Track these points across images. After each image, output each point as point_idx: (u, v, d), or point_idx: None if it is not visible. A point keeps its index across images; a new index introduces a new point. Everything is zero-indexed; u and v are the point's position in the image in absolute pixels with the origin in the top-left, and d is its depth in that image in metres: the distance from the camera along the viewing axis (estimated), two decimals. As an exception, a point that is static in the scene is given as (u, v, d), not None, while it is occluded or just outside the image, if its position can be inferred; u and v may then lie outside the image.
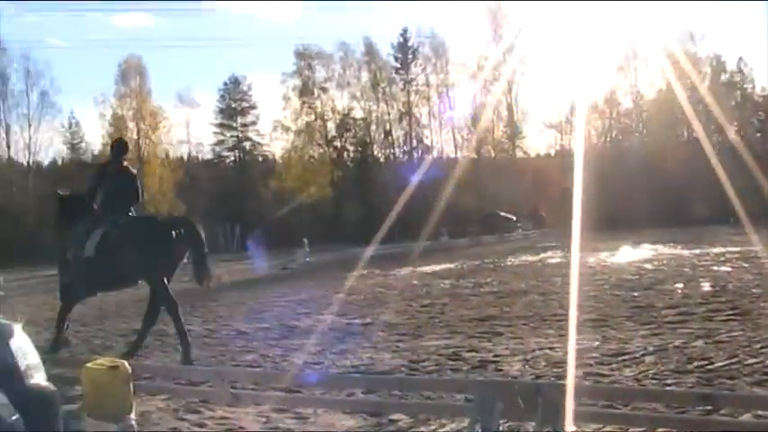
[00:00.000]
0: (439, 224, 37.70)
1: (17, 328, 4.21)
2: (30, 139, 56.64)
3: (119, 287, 11.06)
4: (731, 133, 56.93)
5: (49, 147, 59.54)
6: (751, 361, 7.50)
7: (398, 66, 62.49)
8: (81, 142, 59.50)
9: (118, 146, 10.81)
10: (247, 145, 64.16)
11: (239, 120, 63.74)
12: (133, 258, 9.30)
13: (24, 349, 4.13)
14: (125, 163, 10.55)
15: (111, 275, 9.60)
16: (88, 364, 5.64)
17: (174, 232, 9.74)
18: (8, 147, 56.43)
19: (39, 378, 4.16)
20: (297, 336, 10.93)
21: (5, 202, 54.23)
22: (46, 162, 60.14)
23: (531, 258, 25.42)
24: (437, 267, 22.95)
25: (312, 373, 7.63)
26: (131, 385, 5.65)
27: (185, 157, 64.42)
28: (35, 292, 21.39)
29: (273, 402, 6.61)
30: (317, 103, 61.34)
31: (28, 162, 57.39)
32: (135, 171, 10.96)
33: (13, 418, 3.75)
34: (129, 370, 5.56)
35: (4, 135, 56.11)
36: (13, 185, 54.67)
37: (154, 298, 9.94)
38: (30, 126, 56.46)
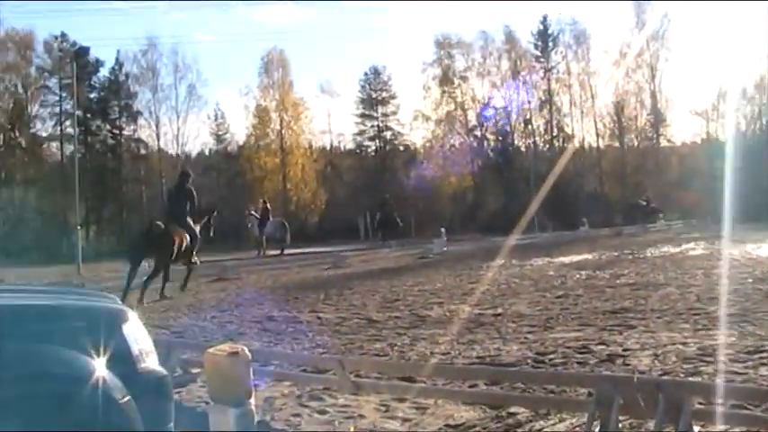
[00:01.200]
0: (580, 214, 37.10)
1: (131, 314, 4.33)
2: (178, 130, 58.57)
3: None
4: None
5: (196, 138, 61.58)
6: None
7: (539, 54, 61.71)
8: (226, 133, 61.13)
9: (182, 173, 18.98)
10: (388, 134, 64.57)
11: (380, 110, 64.20)
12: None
13: (137, 334, 4.25)
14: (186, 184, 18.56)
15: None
16: (210, 350, 5.78)
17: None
18: (158, 138, 58.50)
19: (151, 362, 4.27)
20: (427, 325, 10.92)
21: (157, 192, 56.34)
22: (194, 153, 62.03)
23: (672, 250, 24.64)
24: (574, 258, 22.54)
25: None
26: (251, 371, 5.75)
27: (327, 147, 65.36)
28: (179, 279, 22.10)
29: (394, 392, 6.63)
30: (457, 92, 61.26)
31: (177, 153, 59.35)
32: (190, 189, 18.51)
33: (125, 399, 3.86)
34: (249, 356, 5.67)
35: (154, 127, 58.24)
36: (162, 176, 56.68)
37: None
38: (178, 118, 58.40)
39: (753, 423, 5.10)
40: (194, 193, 18.72)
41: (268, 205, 36.76)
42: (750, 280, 14.13)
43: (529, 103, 61.50)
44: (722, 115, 60.18)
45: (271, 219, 35.84)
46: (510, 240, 29.87)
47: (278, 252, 33.78)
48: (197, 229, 18.36)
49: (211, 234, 19.83)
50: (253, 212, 37.01)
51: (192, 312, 14.03)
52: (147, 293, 15.99)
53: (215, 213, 20.54)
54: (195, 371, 7.53)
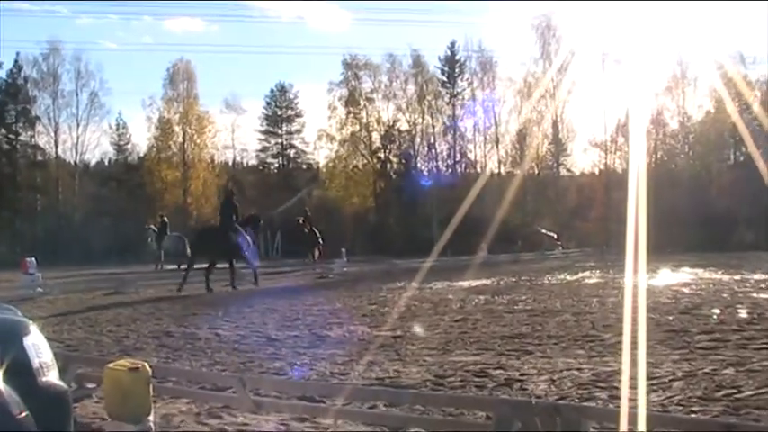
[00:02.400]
0: (480, 239, 37.58)
1: (33, 326, 4.25)
2: (78, 138, 57.27)
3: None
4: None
5: (96, 147, 60.18)
6: (783, 391, 7.36)
7: (445, 79, 62.47)
8: (128, 144, 60.03)
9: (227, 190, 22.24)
10: (292, 153, 64.48)
11: (285, 127, 64.07)
12: None
13: (39, 347, 4.17)
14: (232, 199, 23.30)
15: None
16: (110, 365, 5.70)
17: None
18: (56, 145, 57.13)
19: (51, 376, 4.20)
20: (326, 345, 10.93)
21: (53, 200, 54.99)
22: (93, 162, 60.80)
23: (569, 277, 25.22)
24: (474, 282, 22.84)
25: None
26: (151, 387, 5.69)
27: (230, 163, 64.87)
28: (76, 291, 21.69)
29: (294, 411, 6.63)
30: (363, 114, 61.53)
31: (75, 161, 58.05)
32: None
33: (23, 414, 3.77)
34: (150, 372, 5.61)
35: (53, 134, 56.82)
36: (60, 184, 55.42)
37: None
38: (78, 126, 57.11)
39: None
40: (238, 206, 23.56)
41: (166, 219, 36.56)
42: (643, 308, 14.53)
43: (433, 127, 62.18)
44: (620, 147, 61.86)
45: (168, 233, 35.61)
46: (411, 263, 30.13)
47: (176, 266, 33.41)
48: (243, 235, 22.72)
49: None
50: (151, 227, 36.64)
51: (87, 326, 13.76)
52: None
53: (261, 223, 25.75)
54: (91, 386, 7.39)
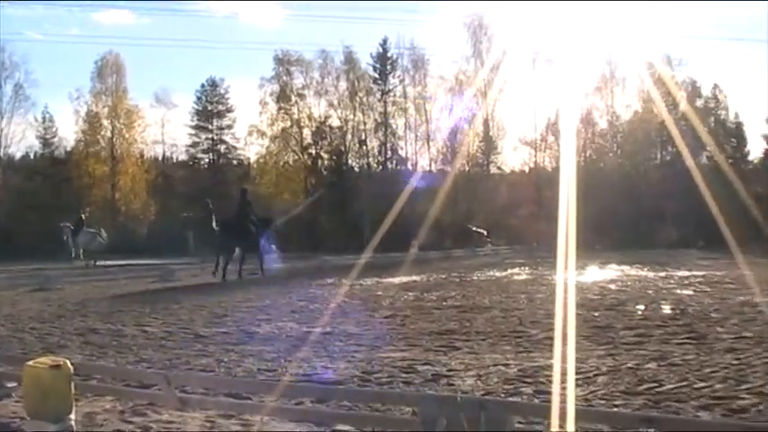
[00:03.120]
0: (411, 236, 37.73)
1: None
2: (1, 131, 56.02)
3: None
4: (704, 158, 57.57)
5: (21, 140, 58.81)
6: (700, 385, 7.54)
7: (377, 76, 62.56)
8: (54, 137, 58.76)
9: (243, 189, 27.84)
10: (222, 148, 63.93)
11: (215, 122, 63.50)
12: None
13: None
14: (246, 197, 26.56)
15: None
16: (30, 363, 5.60)
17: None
18: (-22, 138, 55.84)
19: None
20: (255, 342, 10.88)
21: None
22: (18, 155, 59.53)
23: (497, 274, 25.48)
24: (404, 279, 22.96)
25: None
26: (72, 385, 5.60)
27: (160, 158, 64.12)
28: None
29: (221, 408, 6.59)
30: (294, 110, 61.32)
31: (-1, 154, 56.83)
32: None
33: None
34: (72, 369, 5.52)
35: (-25, 126, 55.54)
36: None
37: None
38: (2, 118, 55.86)
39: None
40: (251, 204, 27.63)
41: (83, 216, 36.59)
42: (571, 305, 14.74)
43: (364, 124, 62.23)
44: (549, 146, 62.65)
45: (84, 229, 35.48)
46: (342, 259, 30.13)
47: (92, 262, 33.28)
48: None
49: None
50: (67, 224, 36.29)
51: (9, 323, 13.48)
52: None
53: (273, 223, 29.54)
54: (10, 385, 7.25)
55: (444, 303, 15.79)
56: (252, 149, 63.36)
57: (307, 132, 62.14)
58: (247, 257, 26.30)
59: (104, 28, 76.99)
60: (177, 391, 6.55)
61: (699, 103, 62.50)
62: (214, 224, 25.52)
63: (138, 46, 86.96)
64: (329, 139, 62.59)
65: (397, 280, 22.66)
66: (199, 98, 63.31)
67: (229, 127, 63.74)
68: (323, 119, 61.99)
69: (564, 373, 7.99)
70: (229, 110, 63.47)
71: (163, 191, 59.65)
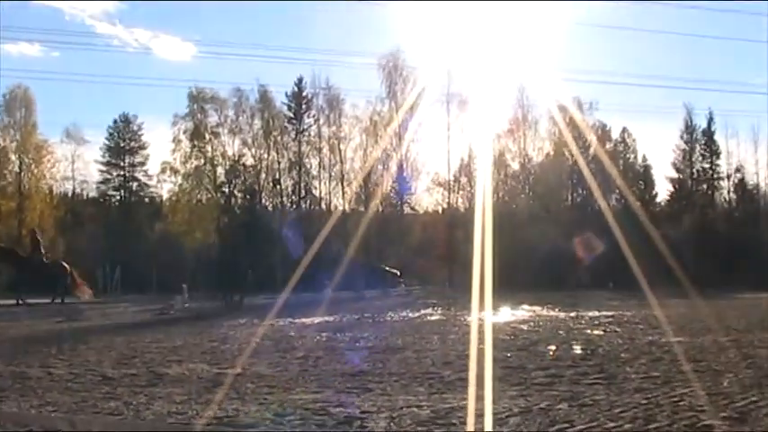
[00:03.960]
0: (324, 276, 37.65)
1: None
2: None
3: None
4: (614, 200, 58.99)
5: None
6: (610, 425, 7.62)
7: (291, 115, 62.60)
8: (-40, 171, 57.33)
9: None
10: (134, 185, 63.25)
11: (127, 159, 62.86)
12: None
13: None
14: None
15: None
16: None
17: None
18: None
19: None
20: (164, 384, 10.66)
21: None
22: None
23: (411, 314, 25.54)
24: (316, 319, 22.84)
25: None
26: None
27: (69, 194, 62.92)
28: None
29: (127, 453, 6.43)
30: (208, 148, 60.90)
31: None
32: None
33: None
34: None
35: None
36: None
37: None
38: None
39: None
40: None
41: None
42: (482, 346, 14.85)
43: (279, 163, 62.11)
44: (462, 187, 63.36)
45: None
46: (254, 299, 29.88)
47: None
48: None
49: None
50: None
51: None
52: None
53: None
54: None
55: (357, 344, 15.77)
56: (164, 187, 62.75)
57: (220, 171, 61.78)
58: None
59: (12, 60, 75.53)
60: (82, 436, 6.37)
61: (608, 146, 64.32)
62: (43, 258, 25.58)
63: (49, 80, 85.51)
64: (243, 178, 62.29)
65: (309, 320, 22.54)
66: (111, 134, 62.71)
67: (142, 164, 63.23)
68: (237, 157, 61.75)
69: (477, 415, 8.05)
70: (142, 147, 62.99)
71: (71, 228, 58.50)
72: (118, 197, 63.13)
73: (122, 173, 62.17)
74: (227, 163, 61.18)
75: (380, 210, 62.91)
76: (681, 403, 8.79)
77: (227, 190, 61.51)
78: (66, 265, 32.17)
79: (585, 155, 59.99)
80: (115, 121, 62.12)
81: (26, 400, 9.56)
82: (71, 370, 12.11)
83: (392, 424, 7.85)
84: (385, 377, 10.98)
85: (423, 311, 27.05)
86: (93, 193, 62.92)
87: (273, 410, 8.62)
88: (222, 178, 61.35)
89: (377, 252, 58.09)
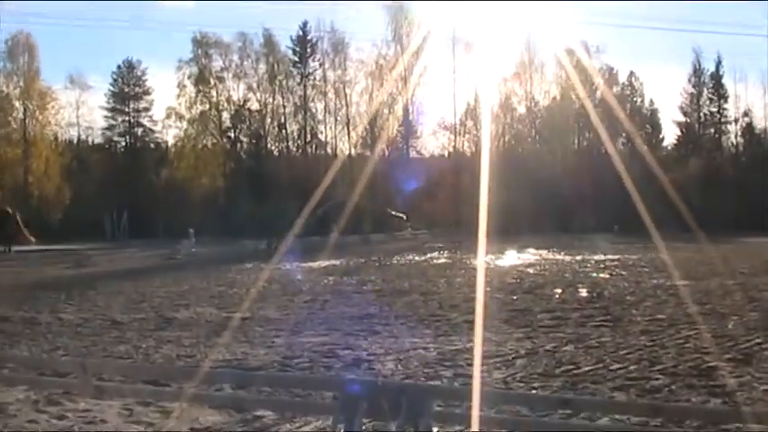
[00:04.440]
0: (331, 220, 37.71)
1: None
2: None
3: None
4: (620, 144, 58.68)
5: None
6: (616, 366, 7.70)
7: (296, 59, 62.10)
8: (-41, 119, 57.01)
9: None
10: (139, 131, 62.84)
11: (132, 105, 62.36)
12: None
13: None
14: None
15: None
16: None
17: None
18: None
19: None
20: (173, 327, 10.78)
21: None
22: None
23: (416, 258, 25.64)
24: (323, 263, 22.95)
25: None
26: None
27: (75, 141, 62.70)
28: None
29: (138, 396, 6.49)
30: (213, 93, 60.47)
31: None
32: None
33: None
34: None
35: None
36: None
37: None
38: None
39: (484, 423, 5.41)
40: None
41: None
42: (488, 289, 14.92)
43: (284, 107, 61.79)
44: (468, 131, 63.07)
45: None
46: (260, 244, 29.97)
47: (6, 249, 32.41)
48: None
49: None
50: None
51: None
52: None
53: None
54: None
55: (364, 288, 15.87)
56: (170, 133, 62.34)
57: (225, 116, 61.42)
58: None
59: (14, 5, 74.96)
60: (94, 379, 6.43)
61: (615, 90, 63.61)
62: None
63: (52, 25, 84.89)
64: (248, 123, 61.98)
65: (316, 264, 22.65)
66: (115, 80, 62.13)
67: (146, 110, 62.69)
68: (242, 102, 61.33)
69: (483, 357, 8.11)
70: (146, 92, 62.42)
71: (77, 175, 58.37)
72: (123, 143, 62.76)
73: (127, 119, 61.75)
74: (233, 108, 60.87)
75: (386, 154, 62.73)
76: (686, 345, 8.86)
77: (232, 135, 61.31)
78: (9, 210, 31.93)
79: (592, 98, 59.56)
80: (119, 67, 61.55)
81: (36, 344, 9.67)
82: (80, 315, 12.23)
83: (399, 366, 7.93)
84: (392, 320, 11.07)
85: (429, 255, 27.15)
86: (98, 140, 62.57)
87: (281, 353, 8.71)
88: (227, 123, 61.09)
89: (384, 196, 58.09)
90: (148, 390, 6.48)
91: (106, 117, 62.00)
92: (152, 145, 63.56)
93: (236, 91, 61.36)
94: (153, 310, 12.72)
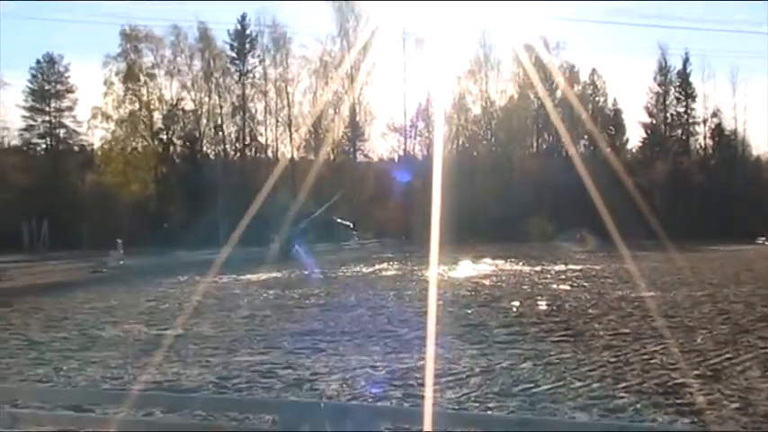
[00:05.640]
0: (272, 229, 37.60)
1: None
2: None
3: None
4: (582, 146, 59.25)
5: None
6: (578, 384, 7.75)
7: (234, 55, 61.81)
8: None
9: None
10: (62, 132, 62.03)
11: (53, 104, 61.56)
12: None
13: None
14: None
15: None
16: None
17: None
18: None
19: None
20: (98, 347, 10.65)
21: None
22: None
23: (364, 270, 25.64)
24: (263, 276, 22.84)
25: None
26: None
27: (-11, 142, 61.83)
28: None
29: (58, 423, 6.38)
30: (143, 91, 59.93)
31: None
32: None
33: None
34: None
35: None
36: None
37: None
38: None
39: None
40: None
41: None
42: (441, 303, 14.96)
43: (221, 107, 61.46)
44: (420, 132, 63.25)
45: None
46: (196, 255, 29.77)
47: None
48: None
49: None
50: None
51: None
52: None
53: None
54: None
55: (307, 302, 15.82)
56: (96, 134, 61.60)
57: (157, 116, 60.92)
58: None
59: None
60: (7, 407, 6.31)
61: (577, 88, 64.12)
62: None
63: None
64: (182, 124, 61.54)
65: (255, 277, 22.55)
66: (34, 76, 61.28)
67: (70, 109, 61.89)
68: (175, 101, 60.89)
69: (436, 375, 8.11)
70: (70, 90, 61.65)
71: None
72: (44, 145, 61.85)
73: (48, 119, 60.88)
74: (165, 108, 60.34)
75: (332, 158, 62.64)
76: (652, 361, 8.95)
77: (164, 137, 60.77)
78: None
79: (552, 98, 60.06)
80: (39, 62, 60.66)
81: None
82: (-6, 334, 12.04)
83: (345, 386, 7.90)
84: (337, 336, 11.05)
85: (378, 266, 27.15)
86: (15, 142, 61.63)
87: (217, 374, 8.64)
88: (159, 124, 60.55)
89: (328, 202, 58.04)
90: (70, 416, 6.38)
91: (24, 117, 61.08)
92: (76, 147, 62.75)
93: (169, 89, 60.86)
94: (76, 328, 12.56)
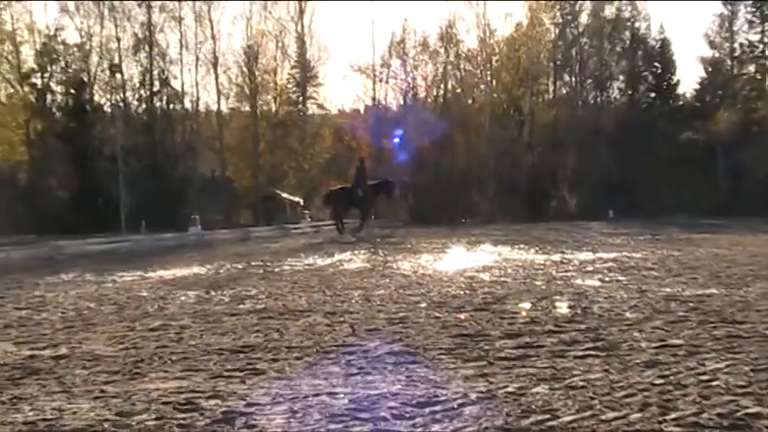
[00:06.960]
0: (192, 209, 37.61)
1: None
2: None
3: None
4: (615, 91, 59.29)
5: None
6: (611, 415, 7.77)
7: (136, -33, 61.65)
8: None
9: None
10: None
11: None
12: None
13: None
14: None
15: None
16: None
17: None
18: None
19: None
20: (-55, 374, 10.61)
21: None
22: None
23: (320, 262, 25.66)
24: (180, 272, 22.84)
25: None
26: None
27: None
28: None
29: None
30: (6, 17, 59.66)
31: None
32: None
33: None
34: None
35: None
36: None
37: None
38: None
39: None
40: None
41: None
42: (423, 305, 14.99)
43: (118, 40, 61.14)
44: (394, 74, 63.09)
45: None
46: (86, 245, 29.68)
47: None
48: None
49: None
50: None
51: None
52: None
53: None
54: None
55: (240, 306, 15.81)
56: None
57: (28, 52, 60.64)
58: None
59: None
60: None
61: (610, 11, 63.90)
62: None
63: None
64: (64, 64, 61.24)
65: (169, 273, 22.55)
66: None
67: None
68: (52, 31, 60.59)
69: (417, 404, 8.12)
70: None
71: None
72: None
73: None
74: (39, 41, 60.04)
75: (275, 109, 62.47)
76: (713, 383, 8.98)
77: (39, 82, 60.42)
78: None
79: (575, 24, 59.92)
80: None
81: None
82: None
83: (293, 421, 7.90)
84: (282, 353, 11.04)
85: (338, 257, 27.19)
86: None
87: (116, 408, 8.61)
88: (31, 64, 60.22)
89: (270, 171, 57.94)
90: None
91: None
92: None
93: (44, 14, 60.73)
94: None
